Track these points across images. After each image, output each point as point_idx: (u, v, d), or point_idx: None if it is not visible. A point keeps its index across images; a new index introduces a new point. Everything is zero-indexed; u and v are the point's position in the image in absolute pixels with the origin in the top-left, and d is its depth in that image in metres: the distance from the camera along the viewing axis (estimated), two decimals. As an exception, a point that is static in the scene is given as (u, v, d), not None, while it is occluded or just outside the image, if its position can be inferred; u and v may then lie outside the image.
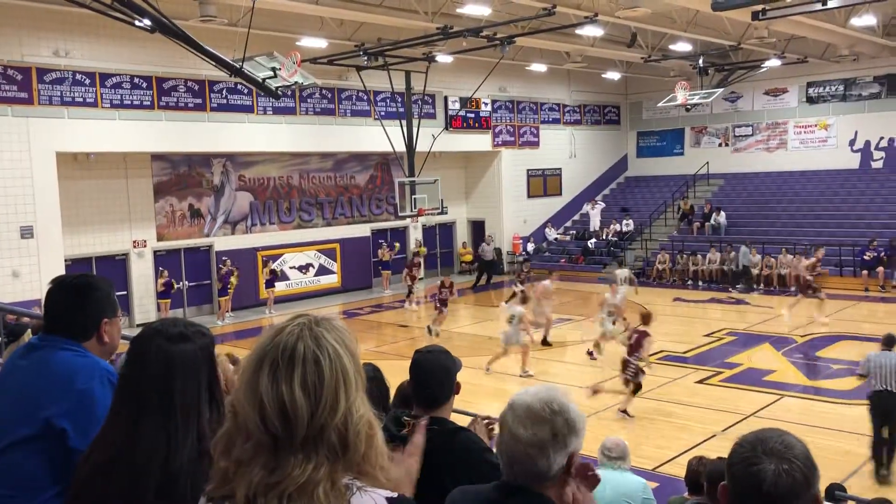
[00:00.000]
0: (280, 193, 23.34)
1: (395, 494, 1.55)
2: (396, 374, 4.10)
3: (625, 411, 11.41)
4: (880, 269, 21.54)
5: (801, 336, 16.42)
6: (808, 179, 27.41)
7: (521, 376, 13.79)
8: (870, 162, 27.28)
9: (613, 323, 14.79)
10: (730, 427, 10.71)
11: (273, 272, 21.89)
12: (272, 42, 16.89)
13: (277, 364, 1.50)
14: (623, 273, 18.20)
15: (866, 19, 20.22)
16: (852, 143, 27.57)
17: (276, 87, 14.44)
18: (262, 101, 20.98)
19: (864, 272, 21.80)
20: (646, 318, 11.87)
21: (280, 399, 1.47)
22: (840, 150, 27.69)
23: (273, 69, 14.21)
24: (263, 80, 14.13)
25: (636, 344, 11.51)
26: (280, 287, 22.16)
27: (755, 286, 22.53)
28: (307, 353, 1.50)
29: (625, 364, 11.55)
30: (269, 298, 21.42)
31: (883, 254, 21.74)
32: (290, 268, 23.33)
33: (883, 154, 27.07)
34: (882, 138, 26.98)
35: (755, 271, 22.86)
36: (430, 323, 17.65)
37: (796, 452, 1.65)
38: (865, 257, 21.91)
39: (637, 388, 11.50)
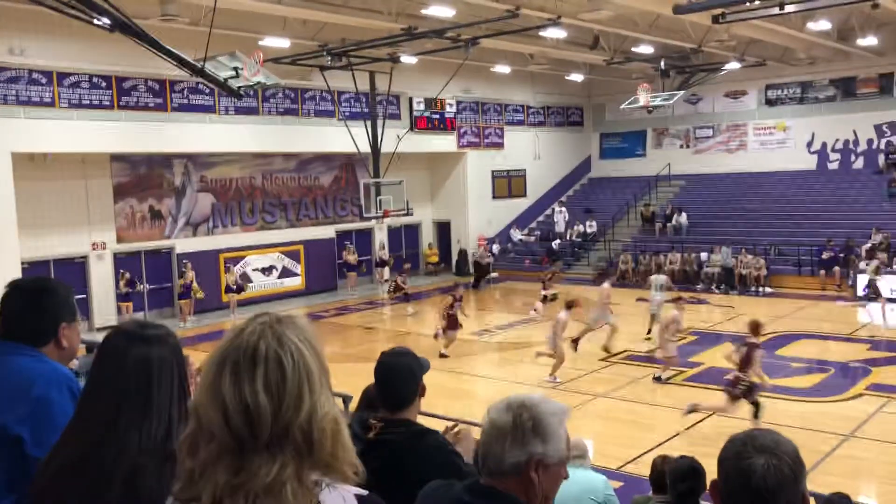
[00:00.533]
0: (242, 194, 23.12)
1: (365, 492, 1.55)
2: (362, 377, 4.07)
3: None
4: (836, 268, 22.00)
5: (761, 335, 16.67)
6: (767, 180, 27.90)
7: (546, 381, 13.30)
8: (826, 163, 27.87)
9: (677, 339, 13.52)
10: (693, 426, 10.84)
11: (238, 284, 21.63)
12: (234, 42, 16.71)
13: (239, 365, 1.48)
14: (660, 279, 17.08)
15: (822, 24, 20.66)
16: (809, 144, 28.15)
17: (239, 87, 14.28)
18: (224, 101, 20.76)
19: (822, 272, 22.25)
20: (755, 328, 10.59)
21: (243, 400, 1.46)
22: (798, 152, 28.25)
23: (235, 69, 14.06)
24: (225, 79, 13.97)
25: (747, 358, 10.27)
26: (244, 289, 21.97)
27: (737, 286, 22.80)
28: (269, 353, 1.48)
29: (735, 381, 10.28)
30: (232, 302, 21.22)
31: (839, 253, 22.20)
32: (254, 270, 23.12)
33: (839, 156, 27.68)
34: (838, 140, 27.60)
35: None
36: (443, 347, 15.65)
37: (785, 449, 1.74)
38: (823, 257, 22.35)
39: (756, 406, 10.32)
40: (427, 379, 3.12)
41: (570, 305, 13.77)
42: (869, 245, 21.96)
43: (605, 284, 16.04)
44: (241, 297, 21.50)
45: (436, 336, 15.99)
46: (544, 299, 19.69)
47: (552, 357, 13.58)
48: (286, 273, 24.00)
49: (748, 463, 1.72)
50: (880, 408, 11.53)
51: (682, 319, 13.47)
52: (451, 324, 15.79)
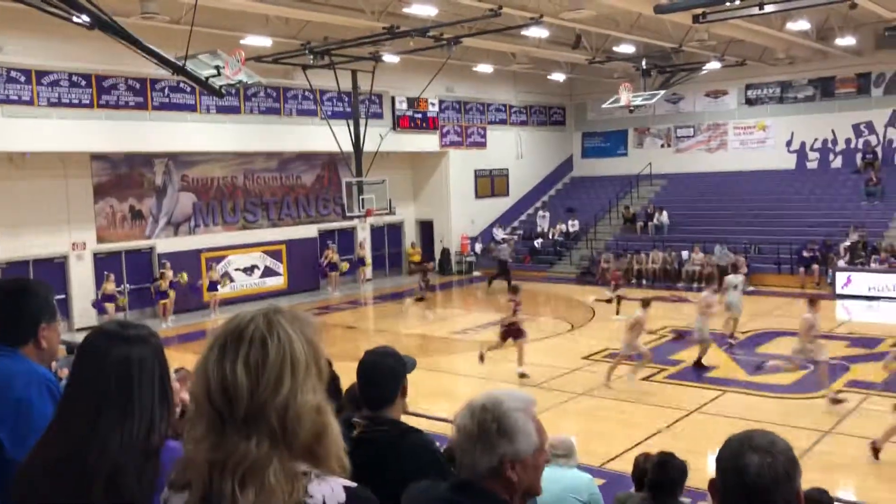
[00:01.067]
0: (224, 194, 23.00)
1: (353, 484, 1.58)
2: (345, 377, 4.07)
3: None
4: (815, 266, 22.22)
5: (741, 333, 16.80)
6: (748, 179, 28.11)
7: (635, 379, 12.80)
8: (805, 162, 28.14)
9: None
10: (674, 423, 10.92)
11: (213, 282, 21.49)
12: (216, 40, 16.58)
13: (226, 344, 1.56)
14: (738, 279, 16.32)
15: (801, 24, 20.84)
16: (789, 144, 28.40)
17: (220, 86, 14.19)
18: (206, 99, 20.64)
19: (801, 270, 22.46)
20: None
21: (223, 375, 1.52)
22: (777, 151, 28.50)
23: (217, 67, 13.97)
24: (207, 78, 13.88)
25: None
26: (225, 289, 21.85)
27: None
28: (255, 334, 1.55)
29: None
30: (214, 301, 21.10)
31: (818, 252, 22.42)
32: (235, 269, 23.01)
33: (818, 155, 27.96)
34: (816, 139, 27.87)
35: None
36: (520, 367, 13.62)
37: (780, 449, 1.83)
38: (803, 255, 22.57)
39: None
40: (410, 378, 3.13)
41: (646, 304, 13.07)
42: (847, 243, 22.21)
43: (705, 293, 14.77)
44: (223, 295, 21.39)
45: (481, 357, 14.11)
46: (610, 301, 19.28)
47: (627, 362, 12.88)
48: (268, 273, 23.91)
49: (744, 461, 1.80)
50: (858, 404, 11.65)
51: (819, 322, 11.76)
52: (516, 332, 13.78)
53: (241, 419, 1.51)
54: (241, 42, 17.99)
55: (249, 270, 23.44)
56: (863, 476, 9.11)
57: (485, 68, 26.29)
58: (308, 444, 1.54)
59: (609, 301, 19.37)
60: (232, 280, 22.61)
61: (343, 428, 2.89)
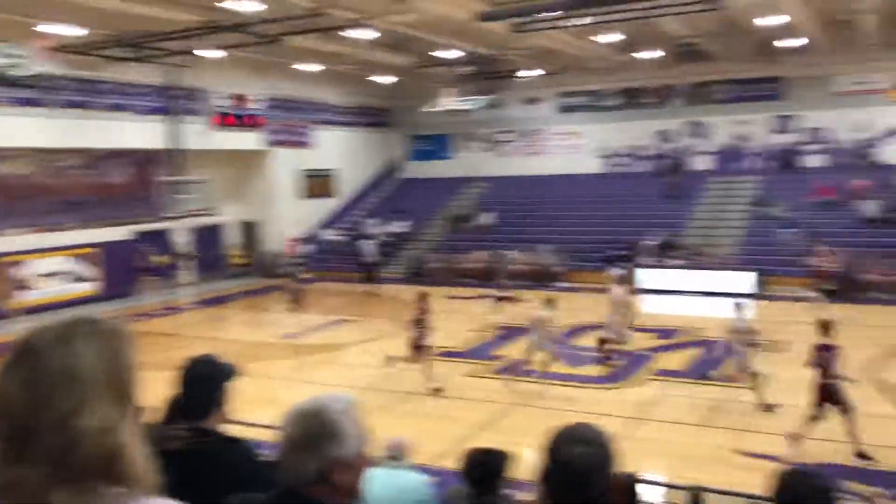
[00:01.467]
0: (26, 193, 21.17)
1: (175, 502, 1.50)
2: (163, 386, 3.88)
3: (861, 454, 9.15)
4: (622, 264, 23.78)
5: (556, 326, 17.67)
6: (563, 183, 29.69)
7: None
8: (614, 167, 30.18)
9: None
10: (499, 416, 11.28)
11: (16, 284, 19.81)
12: (15, 27, 15.28)
13: (12, 357, 1.45)
14: (617, 272, 16.09)
15: (610, 37, 22.27)
16: (599, 150, 30.35)
17: (19, 77, 13.12)
18: (4, 91, 18.90)
19: (607, 268, 23.97)
20: (826, 327, 9.44)
21: (3, 391, 1.41)
22: (589, 157, 30.40)
23: (16, 56, 12.90)
24: (3, 68, 12.78)
25: (828, 363, 9.20)
26: (29, 296, 20.15)
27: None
28: (39, 348, 1.44)
29: (824, 391, 9.19)
30: (16, 309, 19.41)
31: (624, 251, 24.07)
32: (40, 275, 21.25)
33: (624, 160, 30.10)
34: (624, 146, 30.00)
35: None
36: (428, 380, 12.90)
37: (599, 440, 2.03)
38: (610, 254, 24.13)
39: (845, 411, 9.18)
40: (233, 386, 3.05)
41: (550, 302, 13.11)
42: (653, 242, 24.00)
43: (616, 289, 14.94)
44: (27, 303, 19.71)
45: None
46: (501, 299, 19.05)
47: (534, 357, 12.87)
48: (77, 278, 22.28)
49: (566, 451, 1.98)
50: (666, 391, 12.62)
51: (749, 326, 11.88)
52: (422, 349, 13.09)
53: (18, 439, 1.38)
54: (47, 30, 16.65)
55: (56, 276, 21.73)
56: (674, 459, 9.83)
57: (310, 67, 25.97)
58: (98, 466, 1.41)
59: (501, 300, 19.60)
60: (34, 287, 20.89)
61: (163, 440, 2.77)
